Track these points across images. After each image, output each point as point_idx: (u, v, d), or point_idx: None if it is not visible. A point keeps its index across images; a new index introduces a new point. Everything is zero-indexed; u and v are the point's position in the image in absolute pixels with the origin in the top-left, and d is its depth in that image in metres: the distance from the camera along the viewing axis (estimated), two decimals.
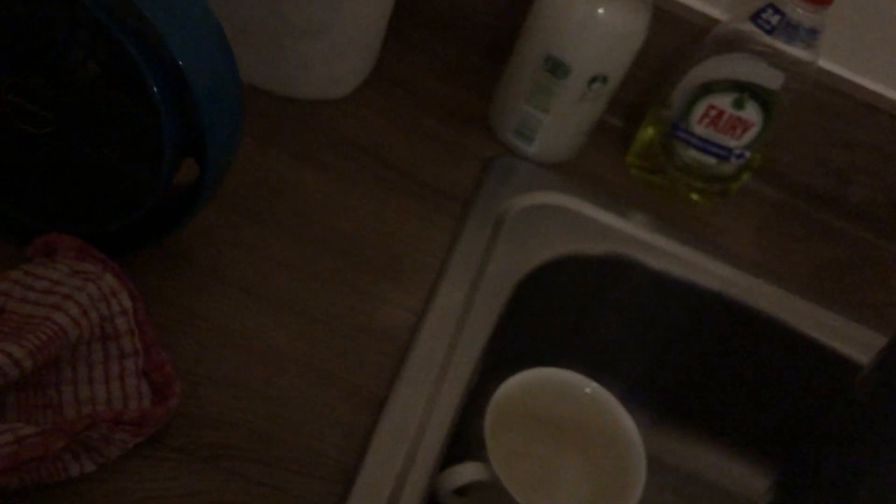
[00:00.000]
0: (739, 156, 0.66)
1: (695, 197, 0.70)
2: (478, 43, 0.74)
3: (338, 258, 0.56)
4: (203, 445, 0.44)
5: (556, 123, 0.65)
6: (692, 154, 0.67)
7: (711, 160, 0.67)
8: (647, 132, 0.69)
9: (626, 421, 0.60)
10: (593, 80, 0.62)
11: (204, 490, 0.43)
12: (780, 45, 0.60)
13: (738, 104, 0.63)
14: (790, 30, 0.60)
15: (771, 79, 0.62)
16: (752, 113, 0.64)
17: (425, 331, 0.54)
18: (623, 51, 0.62)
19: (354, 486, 0.45)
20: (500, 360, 0.63)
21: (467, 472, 0.57)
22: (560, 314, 0.69)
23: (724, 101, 0.64)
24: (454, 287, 0.57)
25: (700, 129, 0.66)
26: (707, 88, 0.64)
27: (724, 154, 0.66)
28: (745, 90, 0.63)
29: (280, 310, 0.52)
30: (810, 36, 0.60)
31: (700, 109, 0.64)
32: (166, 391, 0.44)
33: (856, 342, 0.66)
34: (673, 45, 0.68)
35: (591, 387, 0.61)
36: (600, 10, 0.59)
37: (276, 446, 0.46)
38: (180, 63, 0.41)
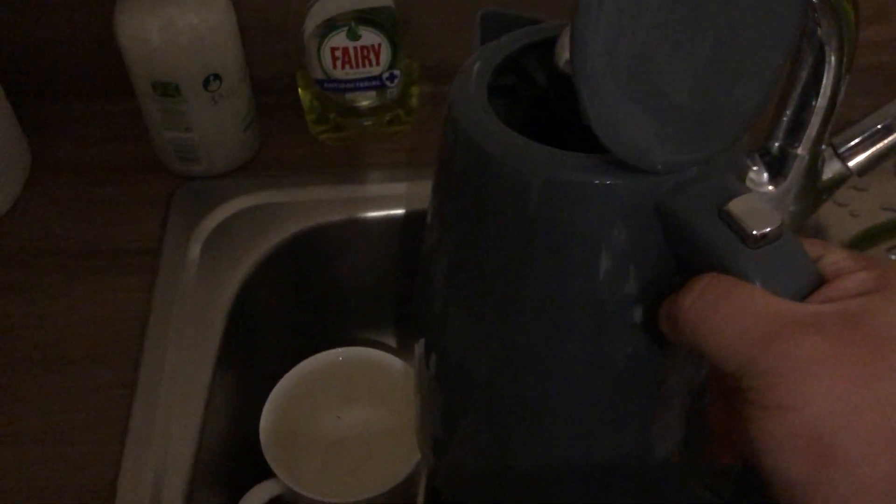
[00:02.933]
0: (391, 78, 0.67)
1: (389, 129, 0.70)
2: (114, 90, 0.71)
3: (40, 368, 0.56)
4: None
5: (206, 136, 0.64)
6: (352, 98, 0.67)
7: (372, 94, 0.67)
8: (307, 97, 0.69)
9: (391, 361, 0.62)
10: (206, 83, 0.61)
11: None
12: None
13: (353, 35, 0.63)
14: None
15: None
16: (371, 37, 0.64)
17: (139, 399, 0.54)
18: (213, 44, 0.61)
19: None
20: (256, 375, 0.63)
21: (261, 493, 0.58)
22: (285, 308, 0.69)
23: (340, 40, 0.63)
24: (159, 338, 0.57)
25: (341, 73, 0.65)
26: (322, 34, 0.63)
27: (376, 83, 0.67)
28: (354, 20, 0.63)
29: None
30: None
31: (327, 57, 0.64)
32: None
33: None
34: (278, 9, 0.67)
35: (342, 354, 0.62)
36: (162, 22, 0.58)
37: None
38: None
